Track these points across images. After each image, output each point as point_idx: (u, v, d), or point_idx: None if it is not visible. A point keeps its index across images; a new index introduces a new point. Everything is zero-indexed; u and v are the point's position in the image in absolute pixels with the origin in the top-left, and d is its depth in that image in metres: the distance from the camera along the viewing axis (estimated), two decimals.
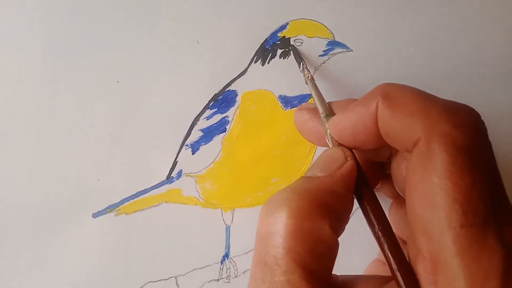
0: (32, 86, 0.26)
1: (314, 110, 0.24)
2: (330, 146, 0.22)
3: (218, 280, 0.28)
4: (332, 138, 0.22)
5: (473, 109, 0.19)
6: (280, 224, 0.18)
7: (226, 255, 0.28)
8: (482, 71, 0.28)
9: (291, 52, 0.27)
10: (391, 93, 0.19)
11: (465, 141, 0.17)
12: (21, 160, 0.27)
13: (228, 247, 0.28)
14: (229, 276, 0.28)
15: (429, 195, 0.17)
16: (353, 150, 0.22)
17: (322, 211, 0.18)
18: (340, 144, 0.22)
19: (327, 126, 0.23)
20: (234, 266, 0.28)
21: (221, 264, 0.28)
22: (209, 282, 0.28)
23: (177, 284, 0.28)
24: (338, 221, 0.19)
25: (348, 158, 0.21)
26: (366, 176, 0.21)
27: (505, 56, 0.28)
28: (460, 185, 0.17)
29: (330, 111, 0.23)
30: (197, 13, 0.26)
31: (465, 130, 0.18)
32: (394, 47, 0.28)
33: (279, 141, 0.27)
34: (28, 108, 0.26)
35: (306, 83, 0.25)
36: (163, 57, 0.27)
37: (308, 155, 0.28)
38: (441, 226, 0.17)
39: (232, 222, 0.28)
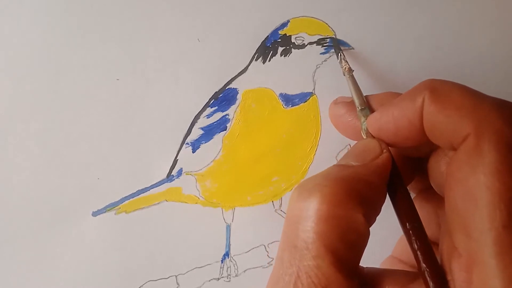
0: (32, 84, 0.26)
1: (351, 104, 0.24)
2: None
3: (218, 279, 0.28)
4: (367, 132, 0.22)
5: None
6: (313, 209, 0.18)
7: (227, 254, 0.28)
8: (484, 69, 0.28)
9: (331, 42, 0.27)
10: (439, 88, 0.19)
11: None
12: (21, 159, 0.27)
13: (228, 246, 0.28)
14: (229, 275, 0.28)
15: (473, 192, 0.17)
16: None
17: (357, 199, 0.18)
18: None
19: (363, 119, 0.22)
20: (235, 265, 0.28)
21: (222, 263, 0.28)
22: (209, 281, 0.28)
23: (177, 283, 0.28)
24: (371, 212, 0.19)
25: (384, 150, 0.20)
26: (399, 171, 0.21)
27: (508, 55, 0.28)
28: (508, 185, 0.16)
29: (366, 105, 0.23)
30: (198, 10, 0.26)
31: None
32: (395, 45, 0.27)
33: (280, 139, 0.27)
34: (27, 107, 0.26)
35: (344, 75, 0.25)
36: (163, 55, 0.26)
37: (309, 154, 0.27)
38: (482, 224, 0.16)
39: (232, 221, 0.28)
